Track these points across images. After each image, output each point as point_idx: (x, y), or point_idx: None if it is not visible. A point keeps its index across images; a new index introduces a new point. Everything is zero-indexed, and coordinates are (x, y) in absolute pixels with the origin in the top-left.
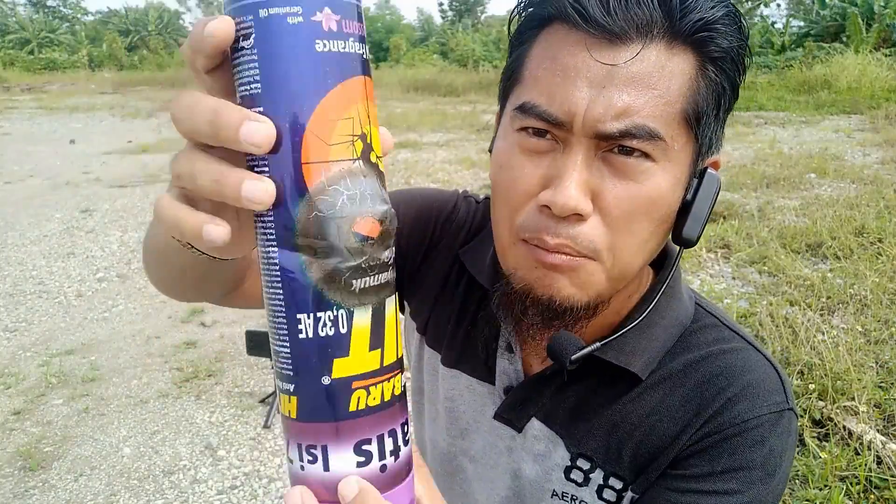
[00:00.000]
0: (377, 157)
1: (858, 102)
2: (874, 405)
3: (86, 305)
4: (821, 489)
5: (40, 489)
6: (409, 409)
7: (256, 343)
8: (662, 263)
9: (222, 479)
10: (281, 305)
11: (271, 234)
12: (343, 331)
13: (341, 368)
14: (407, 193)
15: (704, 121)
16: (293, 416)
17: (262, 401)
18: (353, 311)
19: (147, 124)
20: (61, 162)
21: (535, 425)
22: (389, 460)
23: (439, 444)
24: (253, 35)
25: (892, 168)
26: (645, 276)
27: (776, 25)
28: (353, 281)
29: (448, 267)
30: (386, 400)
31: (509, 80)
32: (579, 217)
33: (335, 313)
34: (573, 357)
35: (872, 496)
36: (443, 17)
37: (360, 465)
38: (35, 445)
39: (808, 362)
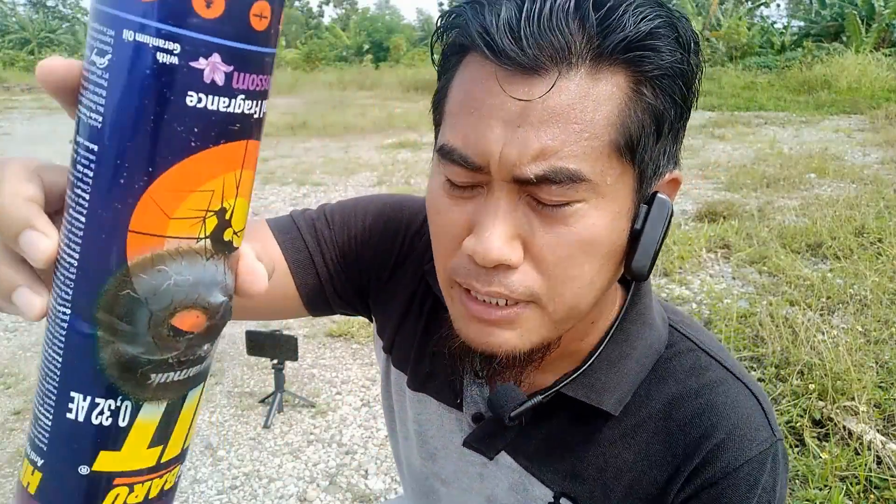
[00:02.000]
0: (234, 232)
1: (858, 102)
2: (874, 405)
3: None
4: (821, 489)
5: None
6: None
7: (256, 343)
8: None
9: (222, 479)
10: (55, 372)
11: (67, 293)
12: (122, 424)
13: (106, 462)
14: (376, 201)
15: (642, 146)
16: (31, 491)
17: (262, 401)
18: (141, 406)
19: None
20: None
21: (506, 459)
22: None
23: (413, 463)
24: (108, 55)
25: (892, 168)
26: (611, 298)
27: (776, 25)
28: (153, 375)
29: (415, 284)
30: (151, 497)
31: (436, 111)
32: (508, 266)
33: (118, 404)
34: (512, 414)
35: (872, 496)
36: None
37: None
38: None
39: (808, 362)
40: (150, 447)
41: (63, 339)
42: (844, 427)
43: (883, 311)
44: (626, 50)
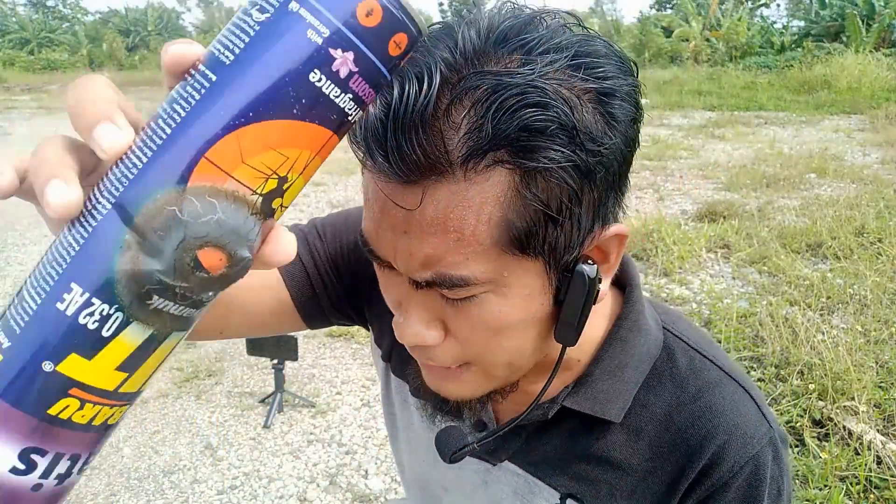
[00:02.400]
0: (282, 206)
1: (858, 102)
2: (874, 405)
3: None
4: (821, 489)
5: None
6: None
7: (256, 343)
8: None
9: (222, 479)
10: (65, 258)
11: (117, 190)
12: (105, 334)
13: (72, 367)
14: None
15: (537, 238)
16: None
17: (262, 401)
18: (129, 322)
19: None
20: None
21: (510, 466)
22: (50, 482)
23: (416, 470)
24: (268, 13)
25: (892, 168)
26: (601, 309)
27: (776, 25)
28: (155, 297)
29: None
30: (94, 424)
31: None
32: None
33: (110, 311)
34: (452, 456)
35: (872, 496)
36: (442, 17)
37: (13, 470)
38: None
39: (808, 362)
40: (117, 369)
41: (90, 230)
42: (844, 427)
43: (883, 311)
44: (504, 146)
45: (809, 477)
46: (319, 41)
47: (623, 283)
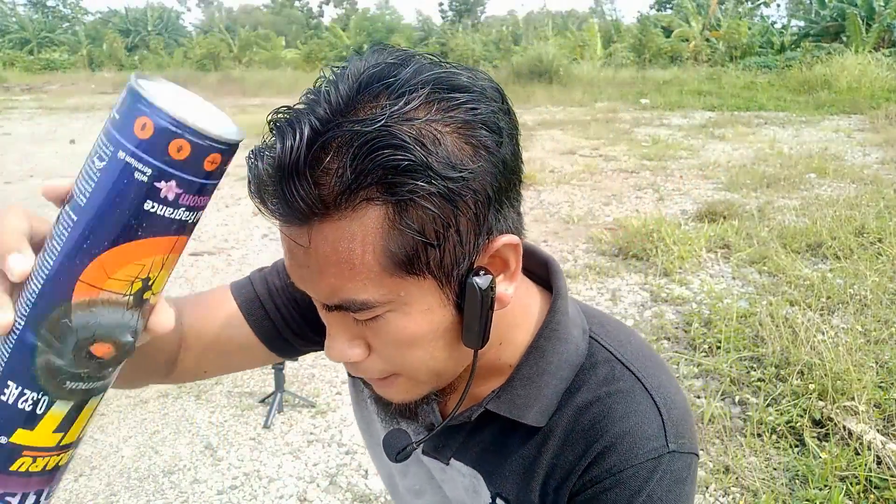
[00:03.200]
0: (153, 293)
1: (858, 102)
2: (874, 405)
3: None
4: (821, 489)
5: None
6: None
7: None
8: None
9: (222, 479)
10: (1, 363)
11: (26, 310)
12: (38, 412)
13: (21, 437)
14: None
15: (422, 260)
16: None
17: (262, 401)
18: (54, 401)
19: None
20: (61, 162)
21: (455, 463)
22: None
23: (394, 482)
24: (104, 162)
25: (892, 168)
26: (529, 312)
27: (776, 25)
28: (68, 382)
29: None
30: (47, 469)
31: None
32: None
33: (39, 396)
34: (397, 456)
35: (872, 496)
36: (443, 17)
37: None
38: None
39: (808, 362)
40: (54, 432)
41: (14, 342)
42: (844, 427)
43: (883, 311)
44: (371, 183)
45: (809, 477)
46: (145, 179)
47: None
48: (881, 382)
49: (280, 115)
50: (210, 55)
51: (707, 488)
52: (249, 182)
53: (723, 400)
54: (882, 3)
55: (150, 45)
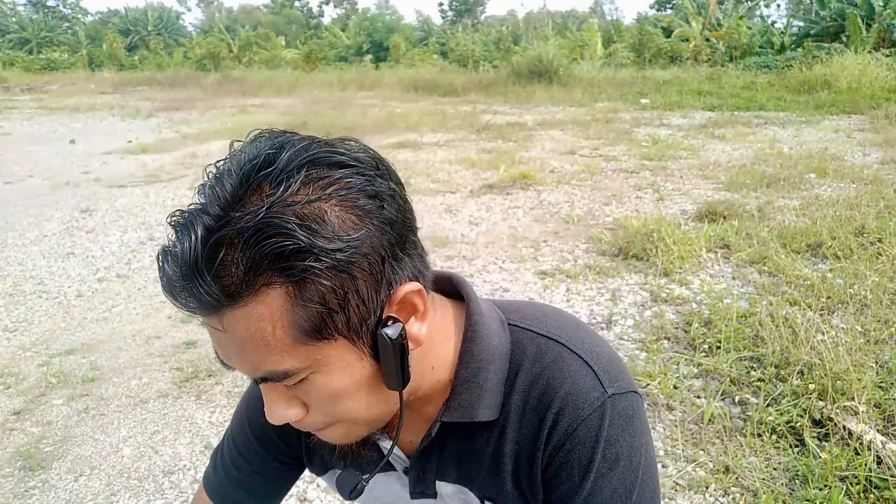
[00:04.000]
0: None
1: (858, 102)
2: (874, 405)
3: (86, 305)
4: (821, 489)
5: (40, 489)
6: None
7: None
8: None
9: None
10: None
11: None
12: None
13: None
14: (239, 411)
15: (328, 325)
16: None
17: None
18: None
19: (147, 124)
20: (61, 162)
21: (441, 487)
22: None
23: None
24: None
25: (892, 168)
26: (446, 323)
27: (776, 25)
28: None
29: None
30: None
31: None
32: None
33: None
34: (351, 494)
35: (872, 496)
36: (442, 17)
37: None
38: (35, 445)
39: (808, 362)
40: None
41: None
42: (844, 427)
43: (883, 311)
44: (263, 275)
45: (809, 477)
46: None
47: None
48: (881, 382)
49: (177, 218)
50: (210, 55)
51: (707, 488)
52: (161, 281)
53: (723, 400)
54: (882, 3)
55: (150, 45)
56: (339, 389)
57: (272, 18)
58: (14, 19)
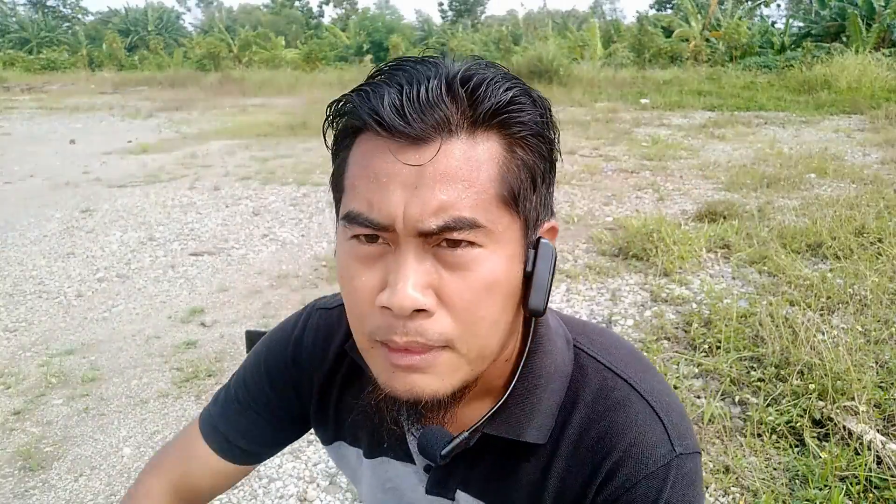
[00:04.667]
0: None
1: (858, 102)
2: (874, 405)
3: (86, 305)
4: (821, 489)
5: (40, 489)
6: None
7: (256, 343)
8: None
9: None
10: None
11: None
12: None
13: None
14: (256, 353)
15: (523, 198)
16: None
17: None
18: None
19: (147, 124)
20: (61, 162)
21: (462, 496)
22: None
23: None
24: None
25: (892, 168)
26: (516, 337)
27: (776, 25)
28: None
29: (328, 385)
30: None
31: (335, 188)
32: (424, 312)
33: None
34: (443, 452)
35: (872, 496)
36: (442, 17)
37: None
38: (35, 445)
39: (808, 362)
40: None
41: None
42: (844, 427)
43: (883, 311)
44: (494, 115)
45: (809, 477)
46: None
47: None
48: (881, 382)
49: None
50: (210, 55)
51: (707, 488)
52: (375, 100)
53: (723, 400)
54: (882, 3)
55: (150, 45)
56: (494, 279)
57: (272, 18)
58: (14, 19)
